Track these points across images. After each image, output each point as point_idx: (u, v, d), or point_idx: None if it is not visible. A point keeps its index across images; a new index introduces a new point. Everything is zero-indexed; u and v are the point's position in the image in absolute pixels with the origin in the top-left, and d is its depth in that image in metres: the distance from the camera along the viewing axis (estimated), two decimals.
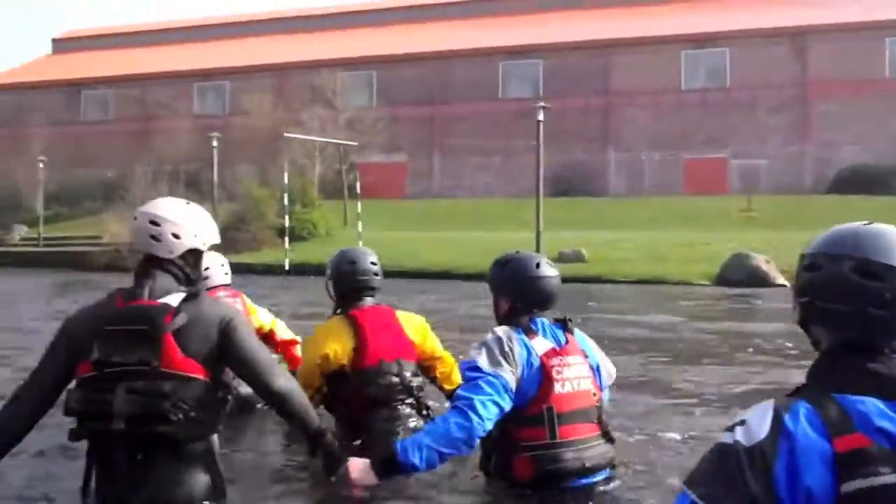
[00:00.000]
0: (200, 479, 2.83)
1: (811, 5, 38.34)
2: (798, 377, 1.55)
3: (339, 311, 4.12)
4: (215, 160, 28.11)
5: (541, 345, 3.22)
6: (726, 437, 1.40)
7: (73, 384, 2.85)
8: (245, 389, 3.48)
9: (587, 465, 3.15)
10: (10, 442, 2.90)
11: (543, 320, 3.35)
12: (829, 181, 35.11)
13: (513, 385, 3.09)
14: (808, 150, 36.51)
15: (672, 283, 18.00)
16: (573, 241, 22.61)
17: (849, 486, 1.28)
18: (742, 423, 1.40)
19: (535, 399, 3.13)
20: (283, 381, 2.95)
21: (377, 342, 3.91)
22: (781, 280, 17.50)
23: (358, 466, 2.98)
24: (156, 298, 2.83)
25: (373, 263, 4.16)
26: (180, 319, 2.77)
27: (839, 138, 35.69)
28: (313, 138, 32.22)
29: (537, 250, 22.04)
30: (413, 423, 3.81)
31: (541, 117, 23.33)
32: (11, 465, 3.29)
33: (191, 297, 2.85)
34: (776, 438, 1.34)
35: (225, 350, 2.85)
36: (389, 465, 2.95)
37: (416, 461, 2.91)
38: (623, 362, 5.84)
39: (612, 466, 3.31)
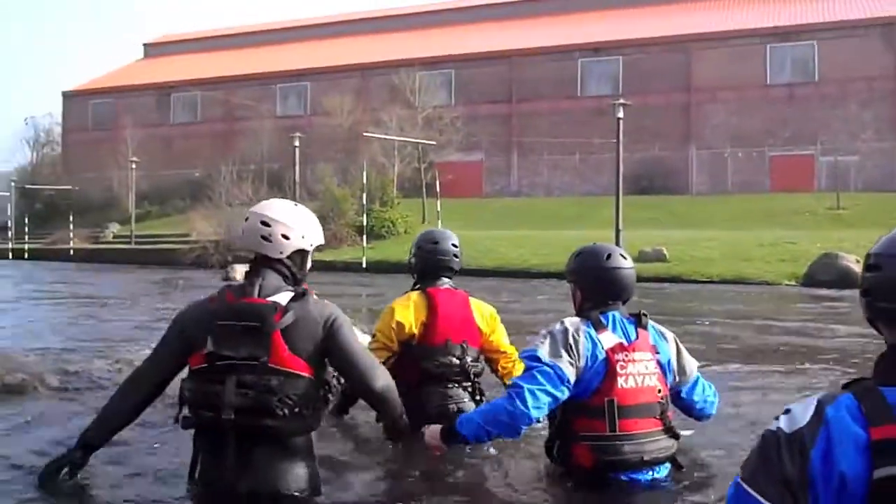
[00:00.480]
0: (300, 472, 2.94)
1: None
2: None
3: (417, 287, 4.23)
4: (297, 159, 28.75)
5: (608, 339, 3.25)
6: (772, 425, 1.48)
7: (185, 374, 3.01)
8: None
9: (646, 458, 3.19)
10: (121, 424, 3.14)
11: (616, 314, 3.35)
12: None
13: (571, 376, 3.14)
14: None
15: (755, 284, 17.58)
16: (654, 239, 22.30)
17: (880, 472, 1.33)
18: (787, 412, 1.48)
19: (597, 391, 3.18)
20: (383, 382, 3.04)
21: (447, 322, 4.02)
22: None
23: (432, 432, 3.24)
24: (265, 297, 2.93)
25: (454, 245, 4.22)
26: (288, 318, 2.87)
27: None
28: (392, 137, 32.61)
29: None
30: (463, 404, 3.91)
31: (620, 114, 23.09)
32: (123, 451, 3.56)
33: (298, 297, 2.94)
34: (816, 426, 1.40)
35: (329, 348, 2.95)
36: (450, 435, 3.20)
37: (467, 434, 3.14)
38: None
39: (675, 462, 3.33)
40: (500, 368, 4.23)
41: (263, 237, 3.03)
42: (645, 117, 33.89)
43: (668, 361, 3.37)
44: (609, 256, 3.44)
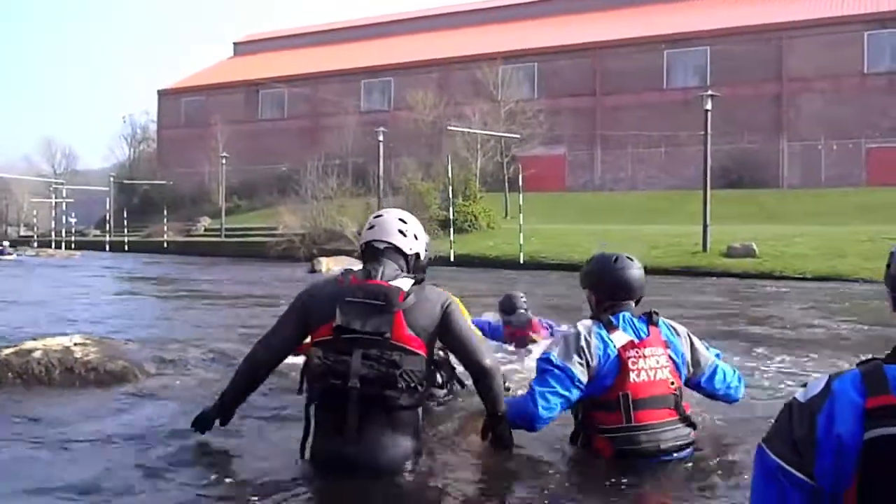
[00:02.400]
0: (409, 445, 3.19)
1: None
2: None
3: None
4: (381, 154, 29.06)
5: (620, 338, 3.49)
6: (793, 397, 1.71)
7: (308, 348, 3.26)
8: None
9: (662, 447, 3.43)
10: (250, 387, 3.52)
11: (626, 314, 3.59)
12: None
13: (582, 376, 3.42)
14: None
15: (853, 280, 16.93)
16: (743, 235, 21.70)
17: (870, 434, 1.54)
18: (804, 385, 1.71)
19: (612, 387, 3.43)
20: (490, 360, 3.32)
21: None
22: None
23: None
24: (386, 280, 3.24)
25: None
26: (410, 300, 3.19)
27: None
28: (475, 131, 32.64)
29: (704, 245, 21.33)
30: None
31: (708, 106, 22.52)
32: (238, 427, 3.80)
33: (418, 282, 3.28)
34: (824, 396, 1.63)
35: (445, 327, 3.25)
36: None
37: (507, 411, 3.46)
38: None
39: (691, 445, 3.52)
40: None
41: (401, 231, 3.43)
42: (734, 109, 32.99)
43: (682, 355, 3.59)
44: (616, 260, 3.73)
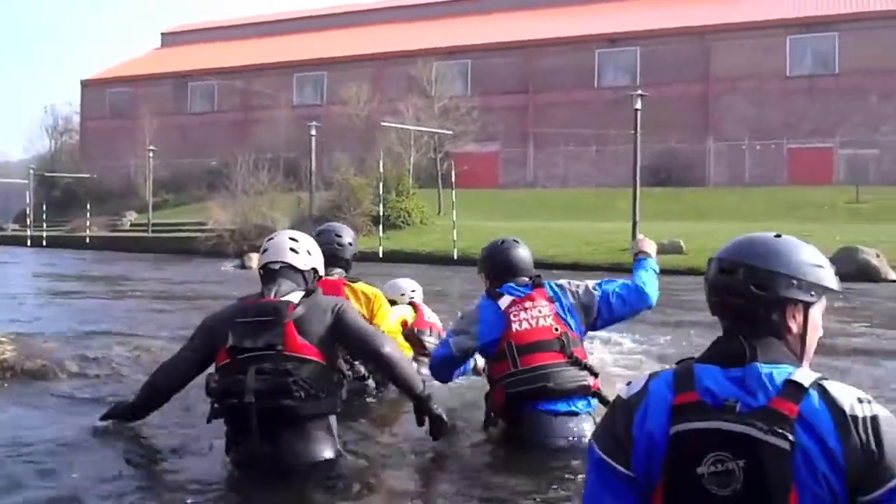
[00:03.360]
0: (321, 449, 3.26)
1: None
2: None
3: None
4: (313, 148, 28.76)
5: (504, 301, 3.89)
6: (617, 395, 1.83)
7: (212, 370, 3.36)
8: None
9: (550, 385, 3.67)
10: (157, 404, 3.65)
11: (511, 284, 3.96)
12: None
13: (473, 345, 3.86)
14: None
15: None
16: (671, 232, 22.17)
17: (674, 428, 1.66)
18: (629, 383, 1.84)
19: (499, 340, 3.80)
20: (390, 348, 3.37)
21: None
22: (893, 275, 16.74)
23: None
24: (280, 297, 3.33)
25: (337, 235, 4.72)
26: (300, 310, 3.26)
27: None
28: (409, 127, 32.58)
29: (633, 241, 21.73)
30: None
31: (638, 105, 22.92)
32: (161, 433, 3.88)
33: (308, 294, 3.35)
34: (642, 395, 1.75)
35: (338, 330, 3.30)
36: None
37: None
38: None
39: (600, 396, 3.77)
40: None
41: (292, 249, 3.51)
42: (662, 109, 33.67)
43: (570, 306, 3.92)
44: (503, 243, 4.15)
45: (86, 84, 52.91)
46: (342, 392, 3.37)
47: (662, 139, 35.21)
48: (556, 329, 3.80)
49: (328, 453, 3.27)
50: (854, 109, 34.88)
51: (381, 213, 25.68)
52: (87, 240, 35.03)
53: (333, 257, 4.54)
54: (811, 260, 1.81)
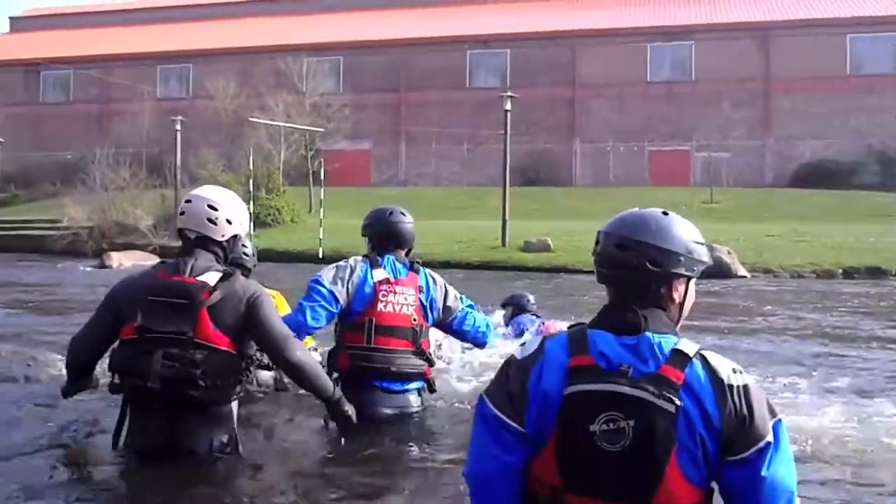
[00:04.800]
0: (220, 436, 3.22)
1: (776, 1, 38.82)
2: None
3: None
4: (178, 144, 27.73)
5: (379, 274, 4.12)
6: (512, 355, 1.94)
7: (116, 344, 3.25)
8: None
9: (393, 369, 4.03)
10: (84, 377, 3.44)
11: (392, 257, 4.19)
12: (789, 175, 35.72)
13: (341, 298, 4.05)
14: (769, 144, 37.06)
15: None
16: (539, 230, 22.70)
17: (568, 389, 1.80)
18: (523, 344, 1.96)
19: (363, 312, 4.06)
20: (300, 353, 3.27)
21: None
22: (743, 271, 17.76)
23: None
24: (196, 275, 3.18)
25: (243, 246, 4.66)
26: (216, 296, 3.14)
27: (800, 133, 36.26)
28: (279, 123, 31.92)
29: (503, 239, 22.10)
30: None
31: (508, 107, 23.36)
32: (53, 412, 3.90)
33: (226, 277, 3.22)
34: (537, 355, 1.88)
35: (249, 322, 3.20)
36: None
37: None
38: None
39: (429, 382, 4.19)
40: None
41: (210, 220, 3.30)
42: (531, 110, 34.45)
43: (433, 300, 4.21)
44: (391, 213, 4.34)
45: None
46: (249, 377, 3.33)
47: (531, 140, 36.03)
48: (414, 319, 4.11)
49: (226, 438, 3.24)
50: (709, 115, 36.84)
51: (251, 212, 25.01)
52: None
53: (240, 266, 4.53)
54: (695, 237, 1.98)
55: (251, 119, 30.85)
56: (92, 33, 48.77)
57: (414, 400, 4.16)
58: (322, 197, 24.05)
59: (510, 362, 1.92)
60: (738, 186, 34.10)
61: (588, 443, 1.77)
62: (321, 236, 22.11)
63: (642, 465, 1.75)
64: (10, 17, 55.76)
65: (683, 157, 37.54)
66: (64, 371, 3.65)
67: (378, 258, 4.18)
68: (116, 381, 3.18)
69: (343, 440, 3.48)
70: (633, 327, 1.85)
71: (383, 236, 4.28)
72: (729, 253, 18.20)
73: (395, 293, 4.10)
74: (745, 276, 17.49)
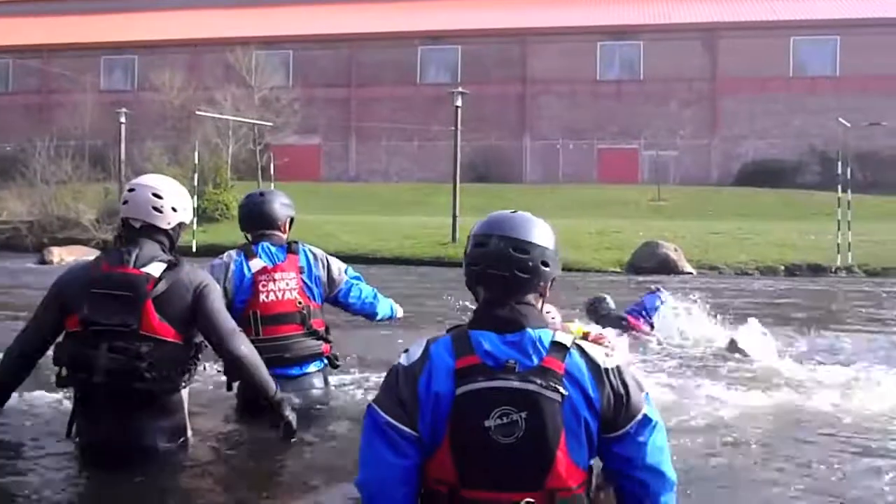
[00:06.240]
0: (168, 426, 3.21)
1: (722, 2, 39.50)
2: None
3: None
4: (122, 136, 27.12)
5: (256, 264, 4.10)
6: (396, 361, 2.02)
7: (60, 337, 3.22)
8: None
9: (287, 355, 4.04)
10: (15, 383, 3.39)
11: (267, 244, 4.17)
12: (735, 174, 36.43)
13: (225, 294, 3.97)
14: (715, 143, 37.74)
15: (585, 270, 18.31)
16: None
17: (459, 389, 1.89)
18: (406, 350, 2.02)
19: (245, 306, 4.04)
20: (245, 348, 3.26)
21: None
22: (689, 268, 18.03)
23: None
24: (140, 266, 3.13)
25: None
26: (161, 287, 3.10)
27: (744, 133, 37.01)
28: (226, 117, 31.47)
29: (454, 235, 22.09)
30: None
31: (458, 103, 23.35)
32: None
33: (171, 267, 3.17)
34: (424, 360, 1.95)
35: (195, 312, 3.18)
36: None
37: None
38: None
39: (331, 360, 4.25)
40: None
41: (155, 208, 3.25)
42: (482, 106, 34.51)
43: (317, 277, 4.19)
44: (262, 195, 4.40)
45: None
46: (196, 366, 3.31)
47: (482, 136, 36.10)
48: (300, 303, 4.10)
49: (176, 428, 3.24)
50: (656, 114, 37.35)
51: (197, 206, 24.60)
52: None
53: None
54: (552, 235, 2.11)
55: (198, 112, 30.34)
56: (33, 22, 47.33)
57: (317, 381, 4.21)
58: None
59: (398, 369, 1.99)
60: (685, 184, 34.66)
61: (483, 438, 1.87)
62: None
63: (535, 453, 1.88)
64: None
65: (632, 155, 38.00)
66: None
67: (253, 247, 4.16)
68: (63, 374, 3.15)
69: (283, 440, 3.49)
70: (515, 325, 1.95)
71: (256, 220, 4.26)
72: (675, 250, 18.47)
73: (274, 281, 4.09)
74: (690, 273, 17.76)
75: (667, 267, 17.76)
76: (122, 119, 27.04)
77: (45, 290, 3.40)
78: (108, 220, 25.22)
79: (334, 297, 4.29)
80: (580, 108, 38.33)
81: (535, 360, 1.92)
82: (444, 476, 1.92)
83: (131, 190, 3.32)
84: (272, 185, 24.32)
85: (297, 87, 38.25)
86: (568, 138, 38.24)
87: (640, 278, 16.83)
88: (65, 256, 20.30)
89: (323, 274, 4.23)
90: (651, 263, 18.00)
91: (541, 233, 2.05)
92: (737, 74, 36.90)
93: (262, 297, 4.06)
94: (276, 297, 4.08)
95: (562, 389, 1.89)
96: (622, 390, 1.94)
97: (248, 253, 4.15)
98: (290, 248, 4.20)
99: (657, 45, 38.01)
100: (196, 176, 25.29)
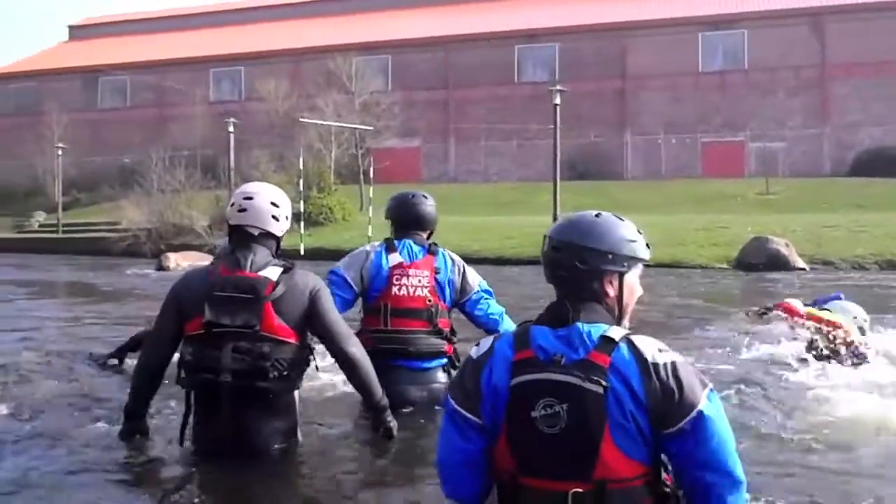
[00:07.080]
0: (284, 427, 3.35)
1: None
2: None
3: None
4: (231, 145, 28.19)
5: (394, 259, 4.30)
6: (469, 354, 2.15)
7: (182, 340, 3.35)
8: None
9: (411, 349, 4.21)
10: (151, 390, 3.52)
11: (409, 241, 4.39)
12: (849, 163, 34.80)
13: (355, 283, 4.27)
14: (827, 133, 36.17)
15: (690, 267, 17.93)
16: None
17: (514, 381, 2.00)
18: (478, 344, 2.16)
19: (378, 297, 4.26)
20: (357, 350, 3.42)
21: None
22: (801, 263, 17.39)
23: None
24: (256, 270, 3.28)
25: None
26: (279, 290, 3.24)
27: (858, 120, 35.33)
28: (329, 123, 32.25)
29: None
30: None
31: (557, 101, 23.25)
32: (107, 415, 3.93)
33: (287, 271, 3.33)
34: (489, 353, 2.08)
35: (310, 314, 3.33)
36: None
37: None
38: None
39: (451, 360, 4.34)
40: None
41: (274, 216, 3.42)
42: (581, 104, 34.21)
43: (450, 281, 4.38)
44: (413, 196, 4.58)
45: None
46: (308, 367, 3.44)
47: (581, 134, 35.78)
48: (429, 301, 4.28)
49: (290, 430, 3.37)
50: (763, 104, 36.10)
51: (303, 210, 25.34)
52: None
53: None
54: (626, 236, 2.14)
55: (302, 119, 31.22)
56: (147, 39, 49.93)
57: (441, 376, 4.33)
58: (370, 195, 24.22)
59: (467, 362, 2.14)
60: (795, 176, 33.37)
61: (531, 427, 1.97)
62: (369, 234, 22.29)
63: (578, 443, 1.94)
64: (69, 26, 57.29)
65: (737, 147, 36.87)
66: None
67: (395, 242, 4.38)
68: (183, 375, 3.29)
69: (383, 444, 3.60)
70: (565, 319, 2.05)
71: (404, 219, 4.48)
72: (786, 245, 17.84)
73: (408, 276, 4.27)
74: (803, 269, 17.13)
75: (777, 263, 17.18)
76: (231, 129, 28.11)
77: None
78: (220, 227, 26.23)
79: (462, 305, 4.45)
80: (682, 101, 37.46)
81: (582, 354, 1.99)
82: (505, 464, 2.04)
83: (249, 198, 3.44)
84: (370, 188, 24.80)
85: (395, 91, 38.83)
86: (670, 133, 37.42)
87: (747, 276, 16.36)
88: (180, 262, 21.22)
89: (457, 279, 4.41)
90: (761, 259, 17.45)
91: (596, 233, 2.11)
92: (847, 59, 35.28)
93: (395, 290, 4.25)
94: (408, 293, 4.26)
95: (603, 382, 1.94)
96: (673, 385, 1.95)
97: (389, 246, 4.37)
98: (429, 250, 4.41)
99: (761, 33, 36.74)
100: (301, 181, 26.04)
